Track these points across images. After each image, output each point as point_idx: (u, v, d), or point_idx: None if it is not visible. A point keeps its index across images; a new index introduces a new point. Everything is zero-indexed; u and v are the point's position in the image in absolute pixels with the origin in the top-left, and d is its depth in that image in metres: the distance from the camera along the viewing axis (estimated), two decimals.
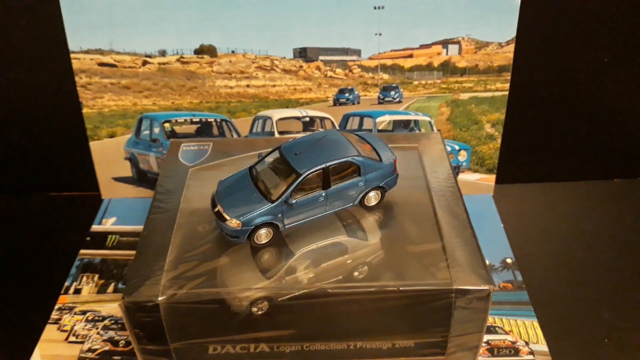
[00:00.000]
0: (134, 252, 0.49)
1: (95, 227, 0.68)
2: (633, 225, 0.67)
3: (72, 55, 0.63)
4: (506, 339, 0.55)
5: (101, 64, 0.64)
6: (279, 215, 0.48)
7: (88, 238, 0.67)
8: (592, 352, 0.54)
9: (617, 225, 0.68)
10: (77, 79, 0.64)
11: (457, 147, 0.69)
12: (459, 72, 0.67)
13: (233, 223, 0.48)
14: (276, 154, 0.51)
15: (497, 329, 0.56)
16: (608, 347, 0.55)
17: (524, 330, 0.56)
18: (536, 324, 0.57)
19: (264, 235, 0.49)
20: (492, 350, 0.54)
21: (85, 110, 0.67)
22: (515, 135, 0.69)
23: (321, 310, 0.50)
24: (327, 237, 0.51)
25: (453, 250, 0.48)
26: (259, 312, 0.51)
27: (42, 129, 0.69)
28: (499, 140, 0.68)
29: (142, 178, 0.71)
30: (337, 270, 0.49)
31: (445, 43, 0.65)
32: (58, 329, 0.57)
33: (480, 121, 0.68)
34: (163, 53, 0.64)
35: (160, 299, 0.45)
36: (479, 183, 0.71)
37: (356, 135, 0.54)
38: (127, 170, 0.71)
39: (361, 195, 0.51)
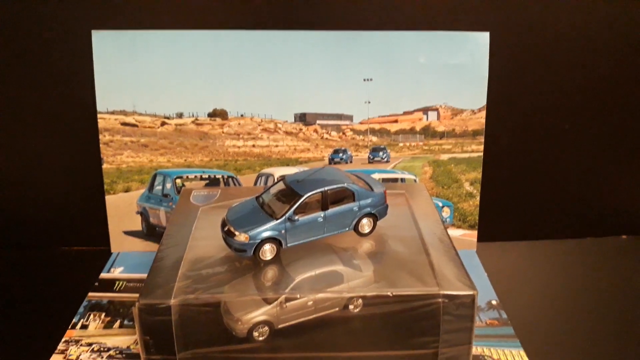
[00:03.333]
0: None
1: (103, 275, 0.72)
2: (605, 277, 0.73)
3: (98, 116, 0.72)
4: None
5: (124, 124, 0.73)
6: (283, 231, 0.54)
7: (96, 284, 0.70)
8: None
9: (591, 276, 0.73)
10: (101, 136, 0.73)
11: (440, 204, 0.76)
12: (439, 135, 0.76)
13: (241, 237, 0.53)
14: (280, 185, 0.58)
15: (486, 357, 0.59)
16: None
17: (512, 358, 0.59)
18: (522, 352, 0.60)
19: (268, 252, 0.54)
20: None
21: (105, 166, 0.74)
22: (493, 194, 0.76)
23: (319, 331, 0.54)
24: (325, 265, 0.56)
25: (439, 265, 0.54)
26: (260, 338, 0.55)
27: (62, 184, 0.76)
28: (478, 198, 0.76)
29: (150, 232, 0.76)
30: (333, 298, 0.54)
31: (425, 110, 0.75)
32: (64, 358, 0.59)
33: (460, 180, 0.76)
34: (180, 115, 0.73)
35: (172, 301, 0.49)
36: (462, 239, 0.77)
37: (350, 173, 0.61)
38: (137, 224, 0.76)
39: (355, 221, 0.57)
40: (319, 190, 0.55)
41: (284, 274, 0.54)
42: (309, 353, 0.53)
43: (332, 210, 0.56)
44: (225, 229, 0.55)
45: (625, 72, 0.74)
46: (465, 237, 0.77)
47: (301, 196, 0.54)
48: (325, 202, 0.55)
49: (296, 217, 0.54)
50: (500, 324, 0.64)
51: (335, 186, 0.56)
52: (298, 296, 0.51)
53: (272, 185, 0.59)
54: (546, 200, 0.79)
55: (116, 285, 0.70)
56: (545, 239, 0.80)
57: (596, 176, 0.79)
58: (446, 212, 0.77)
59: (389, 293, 0.51)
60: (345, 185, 0.56)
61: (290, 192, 0.56)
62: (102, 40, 0.70)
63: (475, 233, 0.77)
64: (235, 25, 0.71)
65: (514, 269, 0.75)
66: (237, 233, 0.54)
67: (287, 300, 0.54)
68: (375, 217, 0.58)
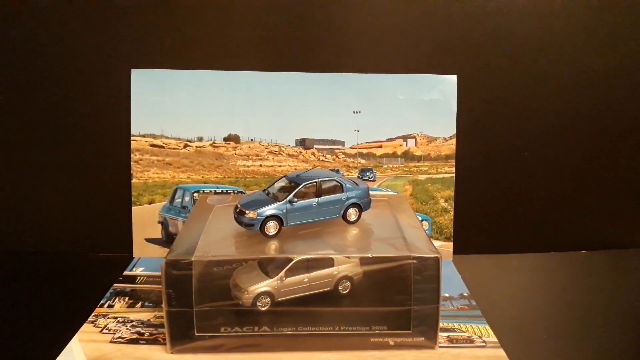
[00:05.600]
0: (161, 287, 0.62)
1: (126, 273, 0.83)
2: (566, 287, 0.82)
3: (131, 138, 0.86)
4: (463, 335, 0.68)
5: (152, 145, 0.87)
6: (284, 211, 0.66)
7: (120, 278, 0.81)
8: (534, 343, 0.67)
9: (554, 286, 0.84)
10: (132, 155, 0.87)
11: (419, 219, 0.88)
12: (416, 159, 0.90)
13: (250, 214, 0.66)
14: (283, 180, 0.71)
15: (455, 329, 0.69)
16: (546, 340, 0.67)
17: (478, 331, 0.69)
18: (487, 327, 0.70)
19: (272, 227, 0.66)
20: (452, 340, 0.67)
21: (133, 181, 0.87)
22: (465, 210, 0.89)
23: (313, 301, 0.65)
24: (317, 241, 0.67)
25: (411, 240, 0.65)
26: (263, 308, 0.66)
27: (96, 196, 0.88)
28: (452, 213, 0.88)
29: (169, 240, 0.88)
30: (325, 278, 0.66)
31: (405, 137, 0.89)
32: (94, 326, 0.69)
33: (436, 197, 0.89)
34: (200, 139, 0.88)
35: (193, 257, 0.61)
36: (439, 249, 0.88)
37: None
38: (158, 233, 0.88)
39: (344, 209, 0.70)
40: (314, 180, 0.68)
41: (284, 245, 0.66)
42: (297, 307, 0.64)
43: (324, 198, 0.68)
44: (237, 210, 0.68)
45: (575, 103, 0.89)
46: (442, 247, 0.88)
47: (299, 184, 0.67)
48: (319, 191, 0.68)
49: (295, 200, 0.67)
50: (469, 308, 0.74)
51: (327, 178, 0.69)
52: (295, 257, 0.63)
53: (276, 181, 0.72)
54: (513, 217, 0.92)
55: (138, 279, 0.81)
56: (513, 252, 0.91)
57: (557, 197, 0.91)
58: (425, 226, 0.88)
59: (369, 255, 0.62)
60: (336, 178, 0.70)
61: (290, 184, 0.69)
62: (139, 77, 0.86)
63: (451, 244, 0.88)
64: (248, 68, 0.87)
65: (485, 278, 0.85)
66: (246, 212, 0.66)
67: (286, 275, 0.66)
68: (360, 208, 0.71)
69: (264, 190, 0.71)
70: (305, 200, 0.67)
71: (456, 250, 0.89)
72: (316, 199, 0.68)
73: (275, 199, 0.68)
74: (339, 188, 0.69)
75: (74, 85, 0.86)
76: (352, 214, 0.70)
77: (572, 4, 0.86)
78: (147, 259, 0.87)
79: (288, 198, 0.67)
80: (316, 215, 0.68)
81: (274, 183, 0.72)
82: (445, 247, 0.88)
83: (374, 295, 0.64)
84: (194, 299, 0.61)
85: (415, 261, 0.62)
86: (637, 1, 0.86)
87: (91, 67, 0.86)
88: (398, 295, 0.63)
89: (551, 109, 0.89)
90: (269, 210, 0.66)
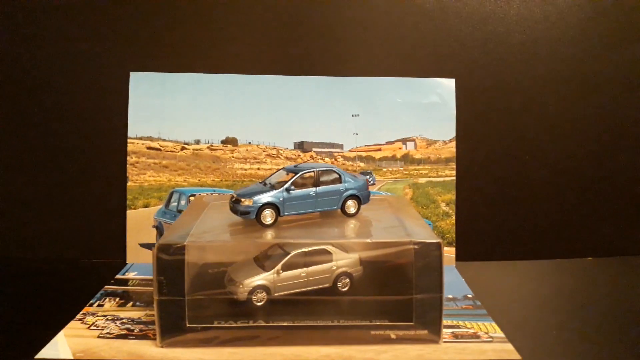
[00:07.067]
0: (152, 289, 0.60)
1: (119, 276, 0.80)
2: (573, 294, 0.79)
3: (128, 141, 0.85)
4: (468, 331, 0.65)
5: (149, 148, 0.86)
6: (281, 199, 0.64)
7: (112, 281, 0.78)
8: (543, 339, 0.63)
9: (560, 293, 0.81)
10: (128, 158, 0.85)
11: None
12: (416, 162, 0.88)
13: (246, 202, 0.64)
14: (281, 172, 0.70)
15: (460, 326, 0.66)
16: (556, 337, 0.64)
17: (484, 327, 0.66)
18: (494, 324, 0.66)
19: (268, 216, 0.64)
20: (457, 336, 0.63)
21: (129, 184, 0.86)
22: (467, 215, 0.87)
23: (311, 292, 0.62)
24: (315, 230, 0.65)
25: (411, 228, 0.63)
26: (258, 303, 0.63)
27: (90, 199, 0.87)
28: (454, 217, 0.86)
29: None
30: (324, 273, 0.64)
31: (404, 141, 0.88)
32: (81, 323, 0.66)
33: (437, 200, 0.87)
34: (197, 142, 0.86)
35: (186, 242, 0.59)
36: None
37: None
38: (152, 237, 0.86)
39: (342, 200, 0.68)
40: (312, 170, 0.67)
41: (281, 233, 0.64)
42: (295, 298, 0.61)
43: (322, 188, 0.67)
44: (233, 199, 0.66)
45: (577, 106, 0.88)
46: (445, 253, 0.85)
47: (297, 173, 0.66)
48: (317, 180, 0.67)
49: (292, 188, 0.65)
50: (474, 308, 0.71)
51: (325, 168, 0.68)
52: (292, 243, 0.61)
53: (273, 173, 0.70)
54: (517, 223, 0.89)
55: (130, 282, 0.78)
56: (518, 259, 0.88)
57: (562, 202, 0.90)
58: None
59: (368, 240, 0.60)
60: (334, 168, 0.68)
61: (288, 174, 0.67)
62: (137, 80, 0.85)
63: (453, 250, 0.86)
64: (247, 71, 0.87)
65: (490, 284, 0.82)
66: (242, 199, 0.64)
67: (283, 269, 0.64)
68: (359, 200, 0.69)
69: (261, 182, 0.69)
70: (303, 190, 0.66)
71: (459, 257, 0.86)
72: (314, 189, 0.66)
73: (271, 187, 0.66)
74: (337, 179, 0.68)
75: (73, 87, 0.86)
76: (351, 206, 0.68)
77: (567, 9, 0.87)
78: (140, 265, 0.84)
79: (285, 186, 0.65)
80: (314, 205, 0.66)
81: (271, 175, 0.70)
82: (447, 253, 0.86)
83: (375, 284, 0.62)
84: (186, 287, 0.59)
85: (416, 246, 0.59)
86: (632, 5, 0.87)
87: (90, 69, 0.86)
88: (399, 284, 0.60)
89: (552, 112, 0.88)
90: (266, 197, 0.64)
